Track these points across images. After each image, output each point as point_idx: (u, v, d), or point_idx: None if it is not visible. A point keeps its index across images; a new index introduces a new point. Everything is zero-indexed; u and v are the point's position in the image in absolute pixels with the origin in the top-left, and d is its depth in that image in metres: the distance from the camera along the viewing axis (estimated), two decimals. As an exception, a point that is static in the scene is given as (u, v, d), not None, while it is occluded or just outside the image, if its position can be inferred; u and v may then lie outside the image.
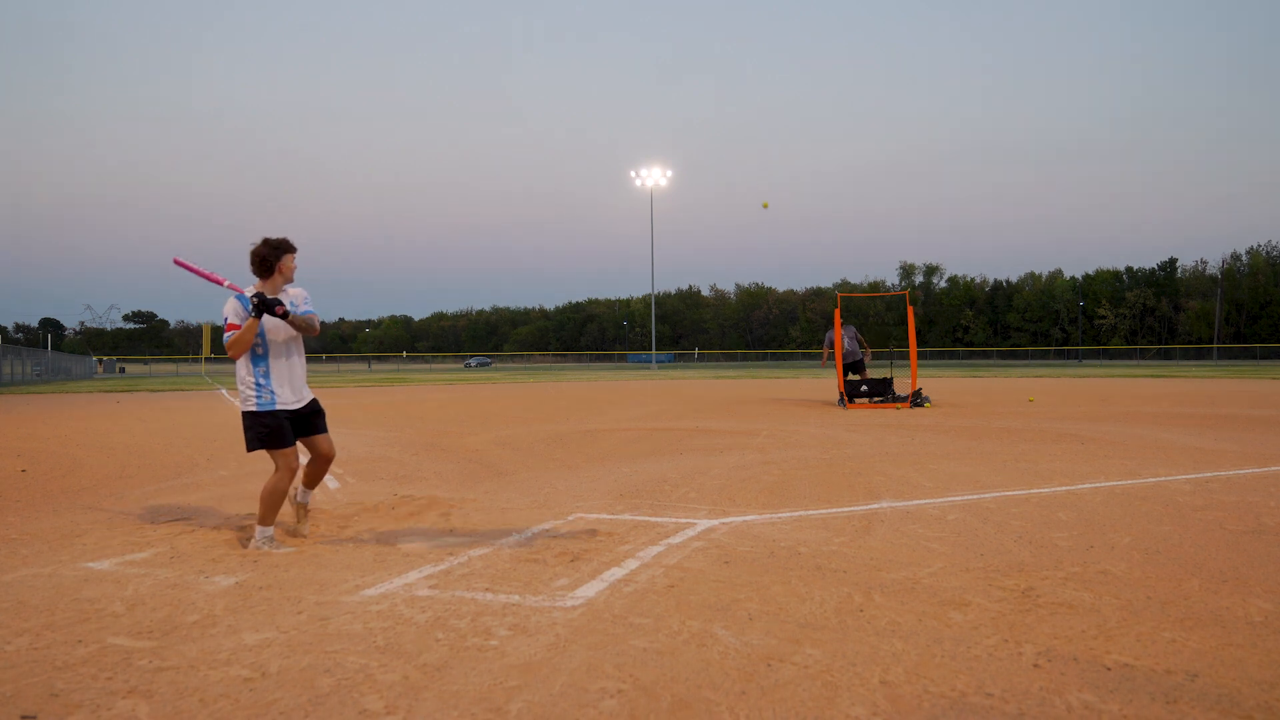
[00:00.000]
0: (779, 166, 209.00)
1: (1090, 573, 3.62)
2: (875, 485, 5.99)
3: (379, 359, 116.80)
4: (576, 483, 6.37)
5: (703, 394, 21.28)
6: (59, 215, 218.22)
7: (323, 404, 4.71)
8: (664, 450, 8.46)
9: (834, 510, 5.09)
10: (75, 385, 35.02)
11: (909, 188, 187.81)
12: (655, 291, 66.04)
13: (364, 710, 2.31)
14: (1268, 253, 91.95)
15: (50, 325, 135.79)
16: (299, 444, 4.46)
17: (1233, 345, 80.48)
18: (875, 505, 5.22)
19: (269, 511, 4.29)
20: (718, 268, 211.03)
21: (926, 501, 5.33)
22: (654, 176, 57.39)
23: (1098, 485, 5.88)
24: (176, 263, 4.47)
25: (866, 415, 12.59)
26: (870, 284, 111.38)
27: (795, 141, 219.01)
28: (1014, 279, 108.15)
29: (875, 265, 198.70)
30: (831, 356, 14.96)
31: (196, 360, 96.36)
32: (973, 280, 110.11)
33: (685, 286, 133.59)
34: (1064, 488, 5.78)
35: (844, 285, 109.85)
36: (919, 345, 59.47)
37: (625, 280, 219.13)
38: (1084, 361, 73.48)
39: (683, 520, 4.82)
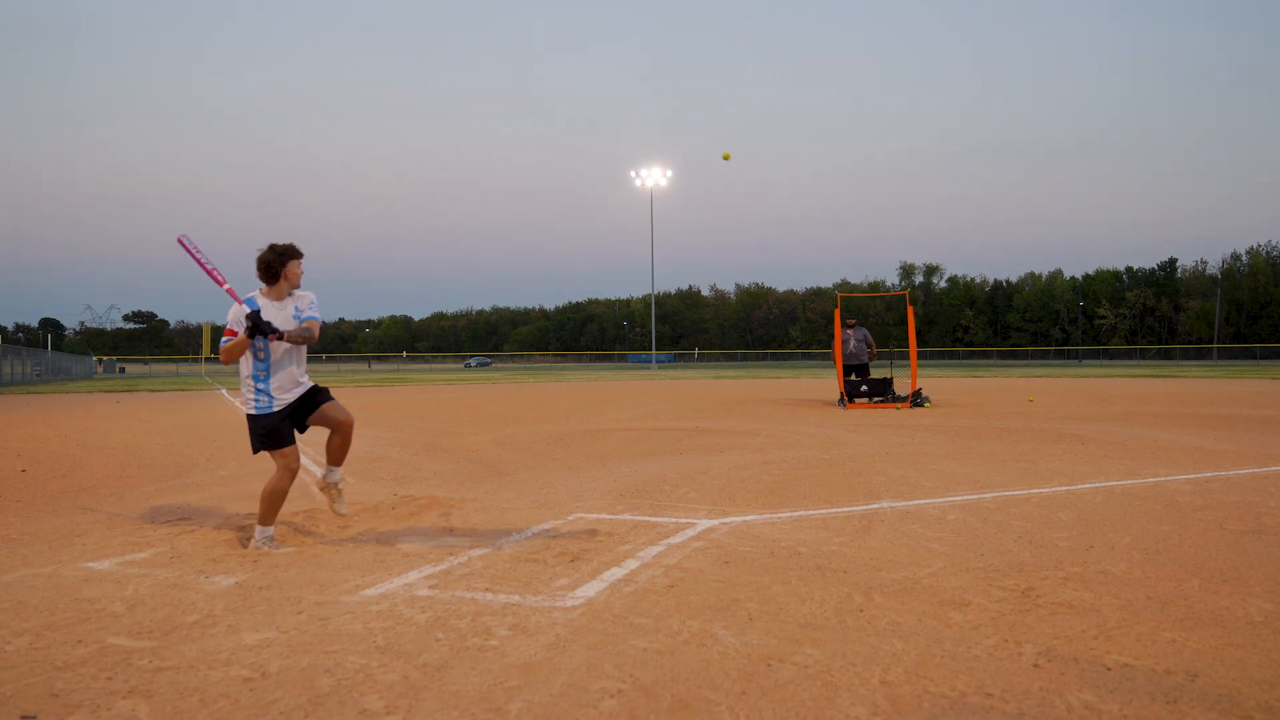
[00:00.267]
0: (779, 166, 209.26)
1: (1090, 573, 3.61)
2: (875, 485, 5.99)
3: (379, 359, 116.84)
4: (576, 483, 6.37)
5: (703, 394, 21.28)
6: (59, 215, 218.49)
7: None
8: (664, 450, 8.46)
9: (834, 510, 5.09)
10: (75, 385, 35.02)
11: (909, 188, 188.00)
12: (655, 291, 66.10)
13: (364, 710, 2.31)
14: (1268, 253, 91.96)
15: (50, 325, 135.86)
16: (316, 424, 4.51)
17: (1233, 345, 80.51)
18: (875, 505, 5.22)
19: (269, 511, 4.29)
20: (718, 268, 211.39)
21: (926, 501, 5.33)
22: (654, 176, 57.39)
23: (1098, 485, 5.88)
24: (181, 242, 4.43)
25: (866, 415, 12.59)
26: (870, 284, 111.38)
27: (795, 141, 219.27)
28: (1014, 279, 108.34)
29: (875, 265, 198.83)
30: (845, 354, 14.92)
31: (196, 360, 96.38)
32: (973, 280, 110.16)
33: (685, 286, 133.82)
34: (1064, 488, 5.78)
35: (844, 285, 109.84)
36: (919, 345, 59.49)
37: (625, 280, 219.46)
38: (1084, 361, 73.49)
39: (683, 520, 4.82)
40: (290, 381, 4.40)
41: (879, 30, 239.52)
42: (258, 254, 4.33)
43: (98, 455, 8.70)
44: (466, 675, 2.55)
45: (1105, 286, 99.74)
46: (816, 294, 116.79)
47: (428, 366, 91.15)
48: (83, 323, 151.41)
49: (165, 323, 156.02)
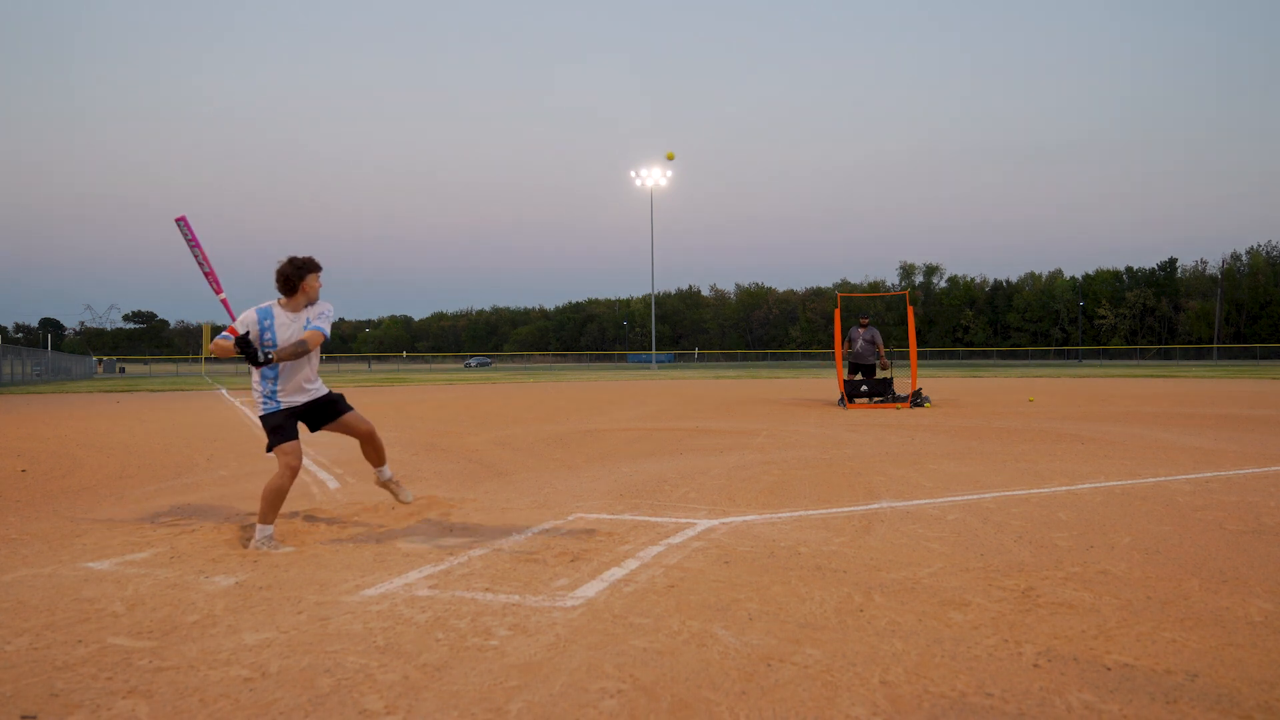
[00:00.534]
0: (778, 166, 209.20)
1: (1090, 573, 3.62)
2: (875, 485, 5.99)
3: (379, 359, 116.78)
4: (576, 483, 6.37)
5: (703, 394, 21.28)
6: (59, 215, 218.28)
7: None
8: (664, 450, 8.46)
9: (834, 510, 5.09)
10: (75, 385, 35.02)
11: (909, 188, 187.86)
12: (655, 291, 66.05)
13: (364, 710, 2.31)
14: (1268, 253, 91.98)
15: (50, 325, 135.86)
16: (335, 434, 4.69)
17: (1233, 345, 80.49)
18: (875, 505, 5.22)
19: (270, 509, 4.30)
20: (718, 268, 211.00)
21: (926, 501, 5.33)
22: (654, 176, 57.40)
23: (1098, 485, 5.88)
24: (181, 223, 4.35)
25: (866, 415, 12.59)
26: (870, 284, 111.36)
27: (795, 141, 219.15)
28: (1014, 279, 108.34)
29: (875, 265, 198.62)
30: (849, 353, 14.89)
31: (196, 360, 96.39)
32: (973, 280, 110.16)
33: (685, 286, 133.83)
34: (1064, 488, 5.78)
35: (844, 285, 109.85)
36: (919, 345, 59.51)
37: (625, 280, 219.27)
38: (1084, 361, 73.49)
39: (683, 520, 4.82)
40: (297, 388, 4.46)
41: (879, 30, 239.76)
42: (277, 266, 4.35)
43: (98, 455, 8.70)
44: (466, 675, 2.55)
45: (1105, 286, 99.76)
46: (816, 294, 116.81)
47: (428, 367, 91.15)
48: (83, 323, 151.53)
49: (165, 323, 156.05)
